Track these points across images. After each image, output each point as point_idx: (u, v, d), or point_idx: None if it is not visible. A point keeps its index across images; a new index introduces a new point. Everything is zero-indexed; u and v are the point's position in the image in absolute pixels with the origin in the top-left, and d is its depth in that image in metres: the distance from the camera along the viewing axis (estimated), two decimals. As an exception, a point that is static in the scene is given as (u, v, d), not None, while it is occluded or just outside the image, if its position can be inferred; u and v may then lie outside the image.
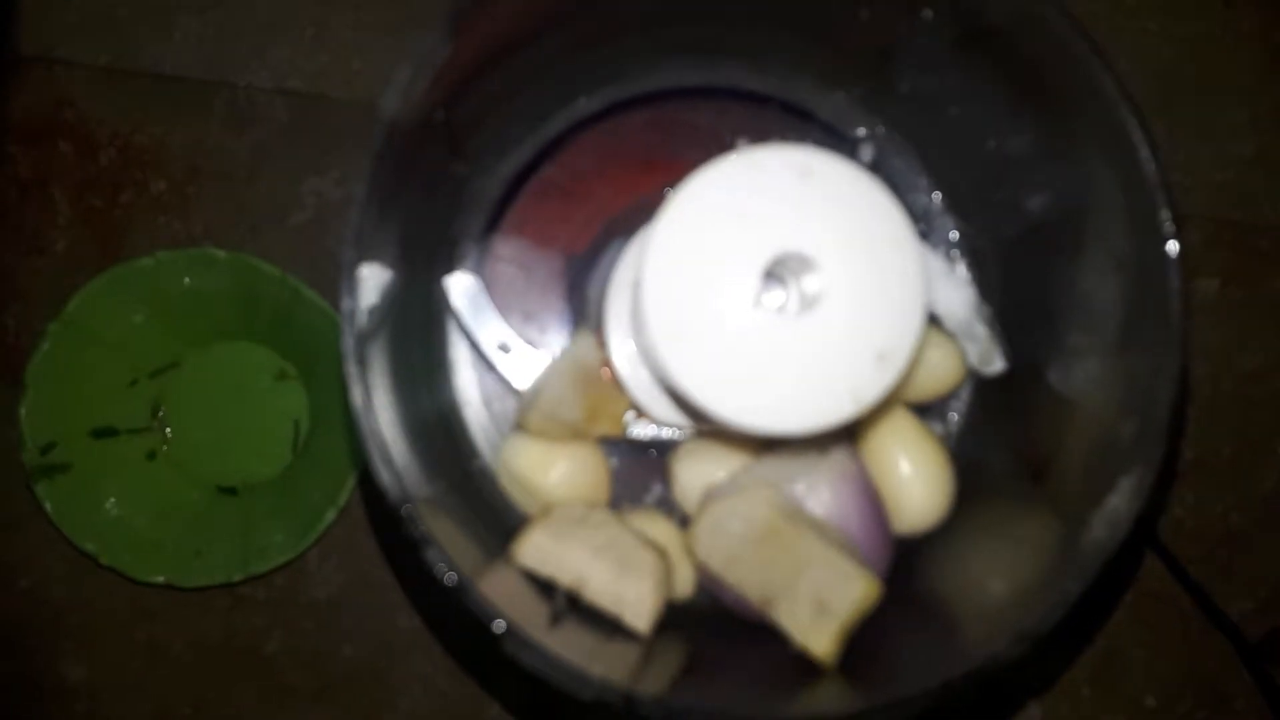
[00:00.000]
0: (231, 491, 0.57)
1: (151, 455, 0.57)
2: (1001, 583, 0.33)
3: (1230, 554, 0.59)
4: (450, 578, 0.27)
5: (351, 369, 0.26)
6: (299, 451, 0.57)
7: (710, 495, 0.35)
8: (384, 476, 0.27)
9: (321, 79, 0.58)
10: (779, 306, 0.31)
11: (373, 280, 0.29)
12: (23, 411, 0.53)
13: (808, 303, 0.30)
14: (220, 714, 0.57)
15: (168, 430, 0.57)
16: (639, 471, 0.38)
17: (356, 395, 0.26)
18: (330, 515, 0.53)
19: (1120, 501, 0.29)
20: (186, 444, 0.57)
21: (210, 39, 0.59)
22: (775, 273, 0.31)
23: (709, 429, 0.31)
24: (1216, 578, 0.58)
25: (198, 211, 0.58)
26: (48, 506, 0.53)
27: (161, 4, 0.58)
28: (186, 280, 0.55)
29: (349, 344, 0.26)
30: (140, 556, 0.54)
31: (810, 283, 0.30)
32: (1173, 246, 0.28)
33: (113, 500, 0.55)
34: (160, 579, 0.53)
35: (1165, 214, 0.28)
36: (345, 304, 0.27)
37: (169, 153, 0.58)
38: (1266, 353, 0.60)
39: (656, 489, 0.39)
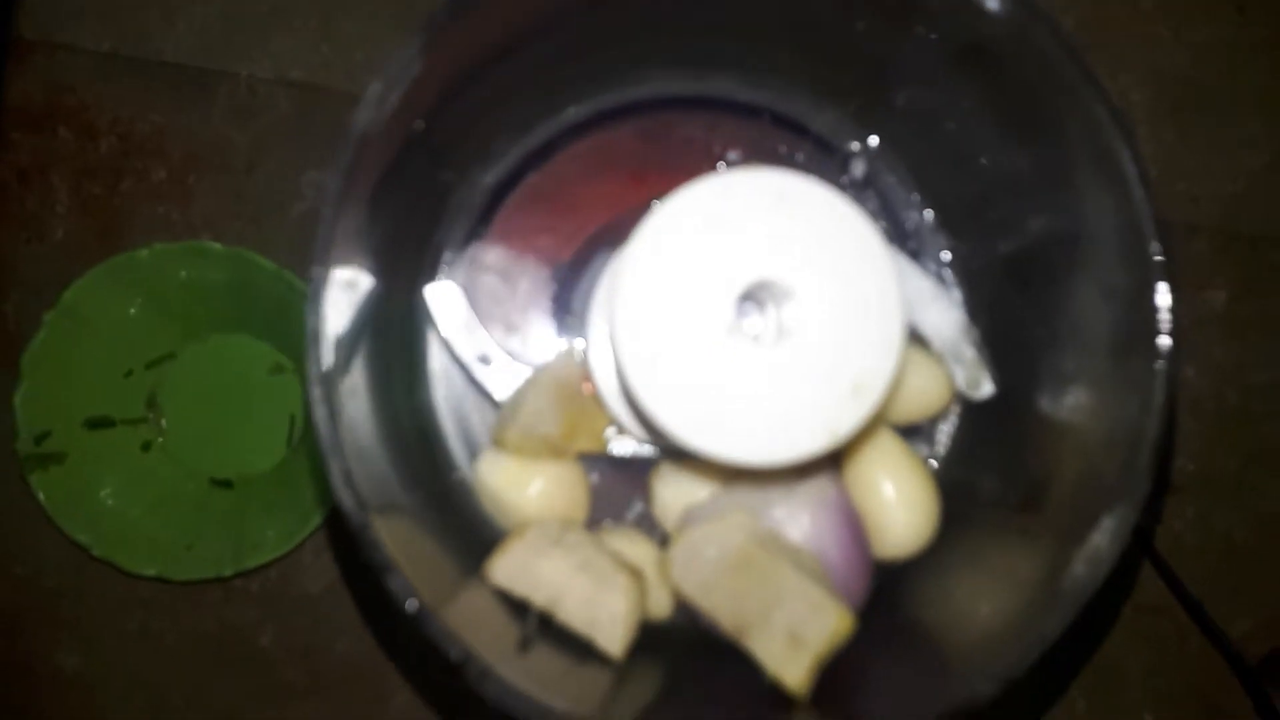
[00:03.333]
0: (226, 484, 0.57)
1: (146, 446, 0.57)
2: (984, 615, 0.32)
3: (1232, 571, 0.58)
4: (411, 604, 0.26)
5: (315, 391, 0.26)
6: (294, 446, 0.56)
7: (688, 518, 0.35)
8: (346, 501, 0.26)
9: (324, 70, 0.58)
10: (754, 335, 0.30)
11: (347, 294, 0.29)
12: (17, 401, 0.53)
13: (783, 332, 0.30)
14: (213, 706, 0.57)
15: (163, 422, 0.57)
16: (620, 488, 0.38)
17: (321, 420, 0.26)
18: (325, 510, 0.53)
19: (1102, 540, 0.28)
20: (182, 436, 0.57)
21: (213, 28, 0.58)
22: (751, 300, 0.30)
23: (681, 454, 0.31)
24: (1218, 595, 0.57)
25: (197, 201, 0.58)
26: (41, 497, 0.53)
27: (165, -9, 0.58)
28: (183, 273, 0.55)
29: (315, 367, 0.26)
30: (133, 549, 0.54)
31: (786, 311, 0.30)
32: (1163, 295, 0.27)
33: (107, 491, 0.55)
34: (152, 572, 0.54)
35: (1155, 248, 0.27)
36: (310, 322, 0.26)
37: (169, 141, 0.58)
38: (1274, 367, 0.59)
39: (638, 506, 0.38)
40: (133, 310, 0.55)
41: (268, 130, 0.58)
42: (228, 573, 0.54)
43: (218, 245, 0.54)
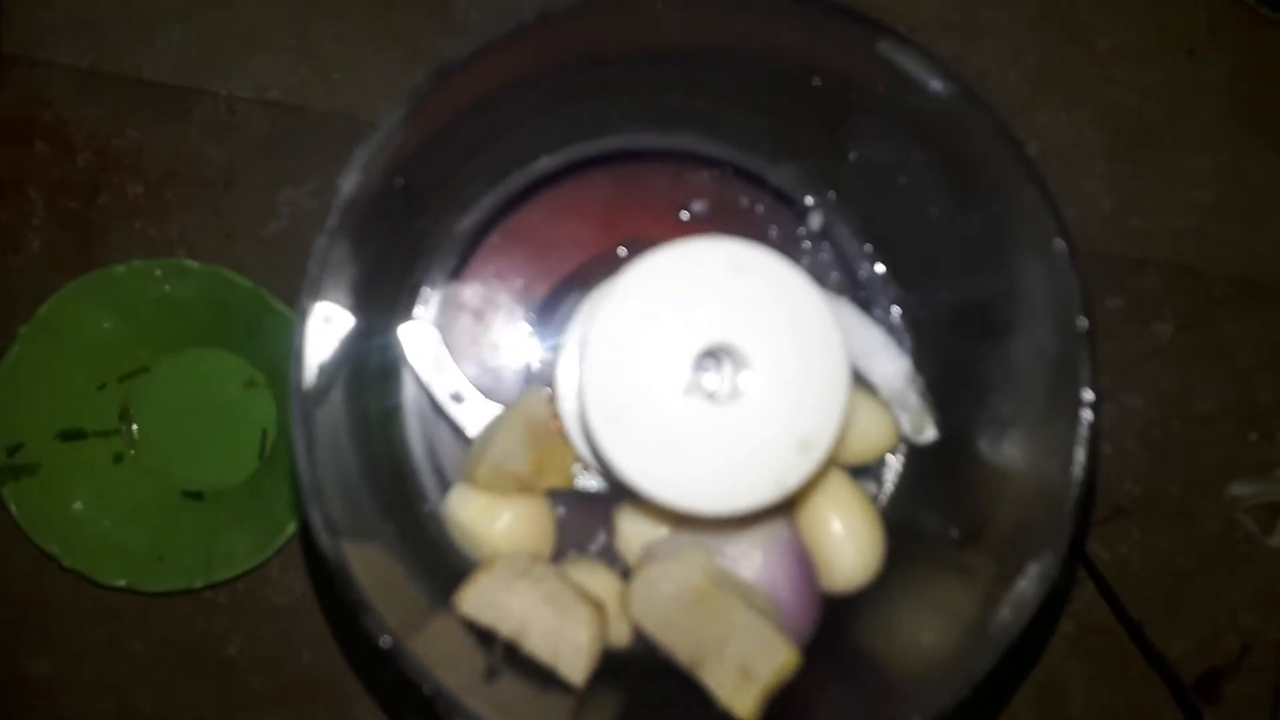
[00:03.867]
0: (197, 497, 0.58)
1: (119, 458, 0.57)
2: (925, 645, 0.34)
3: (1173, 593, 0.61)
4: (385, 641, 0.28)
5: (299, 438, 0.27)
6: (265, 459, 0.58)
7: (648, 554, 0.37)
8: (324, 542, 0.28)
9: (301, 90, 0.59)
10: (709, 393, 0.32)
11: (326, 332, 0.30)
12: (-9, 413, 0.54)
13: (736, 392, 0.32)
14: (180, 713, 0.58)
15: (135, 434, 0.58)
16: (585, 521, 0.40)
17: (303, 466, 0.27)
18: (294, 525, 0.54)
19: (1028, 586, 0.30)
20: (154, 448, 0.58)
21: (192, 46, 0.59)
22: (709, 358, 0.32)
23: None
24: (1159, 615, 0.60)
25: (174, 217, 0.59)
26: (13, 508, 0.54)
27: (145, 9, 0.59)
28: (158, 288, 0.56)
29: (298, 419, 0.27)
30: (103, 559, 0.55)
31: (739, 373, 0.32)
32: (1088, 394, 0.29)
33: (79, 503, 0.56)
34: (122, 582, 0.54)
35: (1082, 322, 0.29)
36: (294, 376, 0.28)
37: (147, 158, 0.59)
38: (1216, 398, 0.61)
39: (602, 538, 0.40)
40: (107, 324, 0.56)
41: (245, 148, 0.59)
42: (197, 585, 0.55)
43: (193, 263, 0.55)
